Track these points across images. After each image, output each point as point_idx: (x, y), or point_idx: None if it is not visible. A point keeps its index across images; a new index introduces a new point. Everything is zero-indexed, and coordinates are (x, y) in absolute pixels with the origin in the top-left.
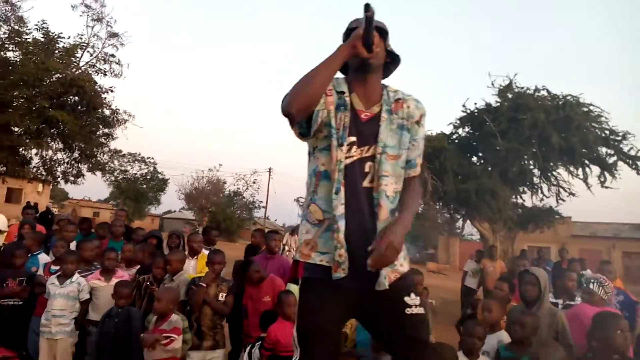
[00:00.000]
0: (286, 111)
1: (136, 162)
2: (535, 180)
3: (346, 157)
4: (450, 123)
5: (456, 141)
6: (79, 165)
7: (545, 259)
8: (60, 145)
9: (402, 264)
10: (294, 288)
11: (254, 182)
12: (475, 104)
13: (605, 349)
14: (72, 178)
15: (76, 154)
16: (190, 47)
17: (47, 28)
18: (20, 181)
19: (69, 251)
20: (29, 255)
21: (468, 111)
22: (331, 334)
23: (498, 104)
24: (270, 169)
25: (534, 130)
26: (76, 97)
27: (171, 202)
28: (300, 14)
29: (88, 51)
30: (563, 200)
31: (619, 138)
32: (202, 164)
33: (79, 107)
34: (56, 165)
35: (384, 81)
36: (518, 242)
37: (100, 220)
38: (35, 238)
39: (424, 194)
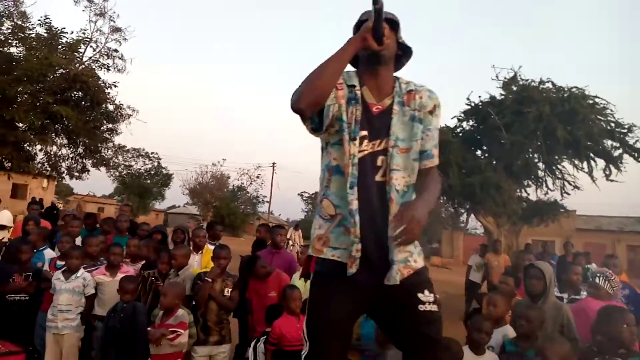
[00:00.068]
0: (296, 106)
1: (140, 157)
2: (540, 173)
3: (358, 151)
4: (455, 116)
5: (460, 135)
6: (84, 160)
7: (549, 252)
8: (65, 141)
9: (416, 260)
10: (299, 283)
11: (257, 177)
12: (480, 97)
13: (611, 343)
14: (76, 173)
15: (80, 150)
16: (195, 41)
17: (50, 23)
18: (26, 177)
19: (74, 246)
20: (35, 250)
21: (472, 104)
22: (341, 329)
23: (502, 96)
24: (274, 163)
25: (538, 123)
26: (80, 93)
27: (175, 197)
28: (305, 7)
29: (91, 46)
30: (568, 194)
31: (625, 131)
32: (206, 158)
33: (83, 103)
34: (61, 161)
35: (396, 74)
36: (522, 236)
37: (105, 215)
38: (40, 233)
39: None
